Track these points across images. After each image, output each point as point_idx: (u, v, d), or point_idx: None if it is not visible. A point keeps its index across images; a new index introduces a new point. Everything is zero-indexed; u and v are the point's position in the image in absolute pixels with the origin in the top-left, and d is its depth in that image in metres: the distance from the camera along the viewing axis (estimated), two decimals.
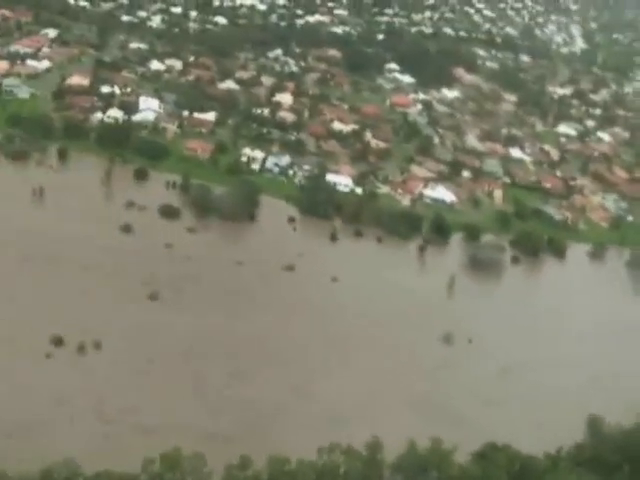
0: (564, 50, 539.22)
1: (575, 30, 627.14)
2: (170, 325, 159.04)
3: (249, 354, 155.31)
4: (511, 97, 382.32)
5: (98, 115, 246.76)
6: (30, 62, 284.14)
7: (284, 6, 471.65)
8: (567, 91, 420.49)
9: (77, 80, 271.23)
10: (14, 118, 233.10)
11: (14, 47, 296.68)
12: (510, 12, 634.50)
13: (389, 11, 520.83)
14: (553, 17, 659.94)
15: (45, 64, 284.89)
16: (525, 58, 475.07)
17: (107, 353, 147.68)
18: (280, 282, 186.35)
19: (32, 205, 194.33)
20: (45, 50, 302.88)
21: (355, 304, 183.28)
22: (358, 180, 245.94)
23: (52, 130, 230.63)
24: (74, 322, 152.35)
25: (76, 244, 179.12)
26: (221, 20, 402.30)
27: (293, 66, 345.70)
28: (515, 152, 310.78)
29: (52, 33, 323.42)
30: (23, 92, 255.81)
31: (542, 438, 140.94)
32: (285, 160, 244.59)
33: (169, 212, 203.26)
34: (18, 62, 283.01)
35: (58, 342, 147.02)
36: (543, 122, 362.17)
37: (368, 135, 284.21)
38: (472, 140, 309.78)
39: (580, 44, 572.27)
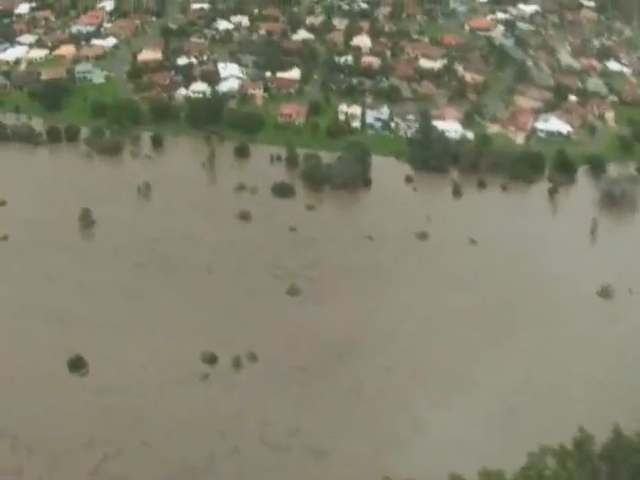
0: None
1: None
2: (318, 323, 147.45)
3: (414, 347, 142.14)
4: (589, 3, 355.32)
5: (182, 91, 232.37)
6: (95, 41, 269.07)
7: None
8: None
9: (149, 55, 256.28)
10: (97, 107, 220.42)
11: (75, 27, 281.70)
12: None
13: None
14: None
15: (111, 41, 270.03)
16: None
17: (263, 365, 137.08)
18: (418, 253, 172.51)
19: (140, 205, 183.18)
20: (106, 25, 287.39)
21: (502, 268, 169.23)
22: (464, 122, 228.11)
23: (139, 115, 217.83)
24: (220, 334, 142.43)
25: (195, 242, 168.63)
26: None
27: (362, 2, 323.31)
28: (613, 65, 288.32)
29: (109, 5, 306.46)
30: (97, 76, 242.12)
31: None
32: (385, 112, 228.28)
33: (283, 190, 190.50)
34: (83, 43, 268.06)
35: (212, 360, 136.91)
36: (630, 27, 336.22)
37: (460, 69, 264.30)
38: (566, 57, 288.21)
39: None
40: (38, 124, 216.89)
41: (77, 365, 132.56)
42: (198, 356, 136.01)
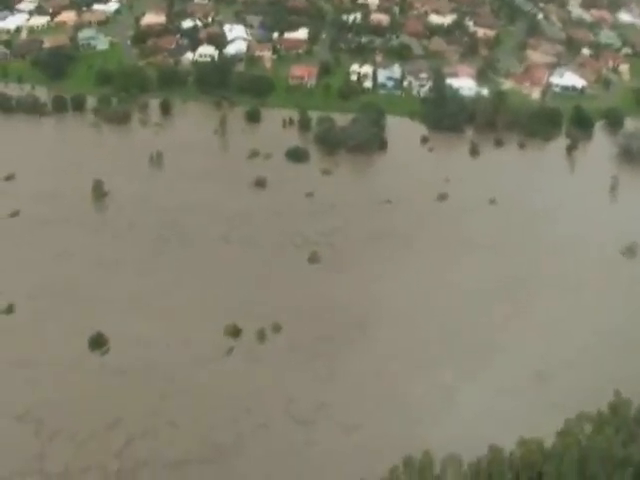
0: None
1: None
2: (340, 292, 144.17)
3: (439, 319, 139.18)
4: None
5: (188, 56, 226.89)
6: (97, 6, 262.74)
7: None
8: None
9: (152, 19, 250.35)
10: (102, 75, 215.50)
11: None
12: None
13: None
14: None
15: (113, 6, 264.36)
16: None
17: (287, 336, 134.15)
18: (438, 216, 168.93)
19: (153, 174, 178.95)
20: None
21: (522, 228, 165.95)
22: (478, 79, 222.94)
23: (146, 81, 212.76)
24: (242, 306, 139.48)
25: (211, 212, 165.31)
26: None
27: None
28: (624, 17, 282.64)
29: None
30: (101, 43, 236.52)
31: None
32: (397, 71, 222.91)
33: (297, 155, 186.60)
34: (84, 9, 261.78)
35: (236, 332, 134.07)
36: None
37: (470, 24, 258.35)
38: (576, 9, 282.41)
39: None
40: (42, 93, 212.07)
41: (98, 343, 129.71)
42: (221, 329, 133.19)
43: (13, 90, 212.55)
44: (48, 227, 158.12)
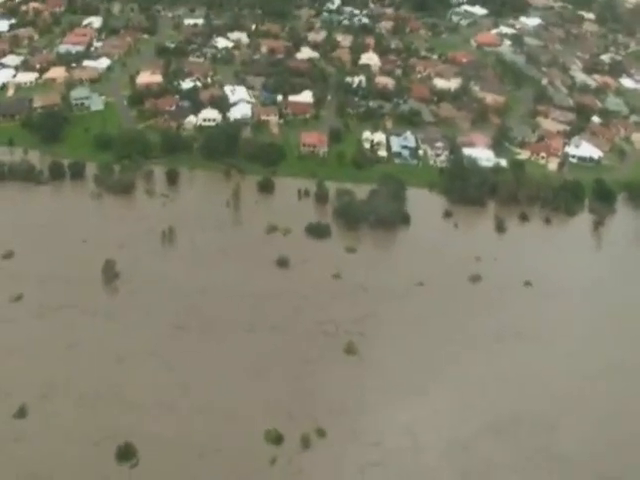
0: None
1: None
2: (382, 388, 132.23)
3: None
4: (588, 15, 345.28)
5: (191, 119, 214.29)
6: (87, 63, 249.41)
7: None
8: None
9: (148, 78, 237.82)
10: (101, 140, 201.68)
11: (62, 47, 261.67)
12: None
13: None
14: None
15: (104, 62, 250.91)
16: None
17: (333, 442, 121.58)
18: (474, 301, 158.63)
19: (166, 252, 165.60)
20: (96, 45, 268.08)
21: (565, 314, 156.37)
22: (494, 148, 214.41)
23: (149, 147, 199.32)
24: (281, 407, 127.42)
25: (233, 296, 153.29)
26: None
27: (363, 17, 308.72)
28: (627, 82, 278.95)
29: (96, 22, 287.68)
30: (96, 103, 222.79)
31: None
32: (410, 139, 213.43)
33: (318, 231, 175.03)
34: (73, 65, 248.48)
35: (277, 439, 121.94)
36: (633, 40, 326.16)
37: (476, 89, 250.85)
38: (579, 74, 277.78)
39: None
40: (35, 157, 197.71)
41: (126, 454, 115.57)
42: (261, 435, 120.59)
43: (3, 154, 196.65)
44: (56, 314, 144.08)
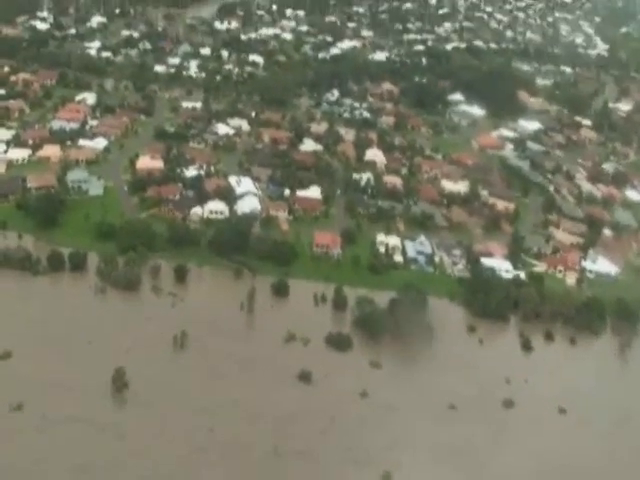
0: (591, 52, 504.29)
1: (585, 26, 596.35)
2: None
3: None
4: (584, 121, 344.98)
5: (197, 210, 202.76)
6: (83, 142, 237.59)
7: (308, 32, 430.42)
8: (628, 106, 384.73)
9: (148, 163, 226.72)
10: (104, 229, 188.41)
11: (56, 123, 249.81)
12: (518, 13, 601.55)
13: (410, 26, 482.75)
14: (557, 14, 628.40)
15: (101, 142, 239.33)
16: (566, 69, 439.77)
17: None
18: (510, 429, 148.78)
19: (178, 360, 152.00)
20: (92, 123, 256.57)
21: (606, 445, 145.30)
22: (510, 259, 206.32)
23: (154, 238, 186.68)
24: None
25: (253, 415, 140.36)
26: (257, 59, 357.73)
27: (363, 111, 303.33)
28: (632, 194, 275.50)
29: (90, 98, 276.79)
30: (94, 187, 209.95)
31: None
32: (426, 244, 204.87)
33: (339, 342, 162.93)
34: (68, 143, 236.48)
35: None
36: (631, 149, 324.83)
37: (484, 193, 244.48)
38: (584, 183, 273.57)
39: (599, 43, 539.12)
40: (30, 243, 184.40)
41: None
42: None
43: None
44: (60, 429, 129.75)
